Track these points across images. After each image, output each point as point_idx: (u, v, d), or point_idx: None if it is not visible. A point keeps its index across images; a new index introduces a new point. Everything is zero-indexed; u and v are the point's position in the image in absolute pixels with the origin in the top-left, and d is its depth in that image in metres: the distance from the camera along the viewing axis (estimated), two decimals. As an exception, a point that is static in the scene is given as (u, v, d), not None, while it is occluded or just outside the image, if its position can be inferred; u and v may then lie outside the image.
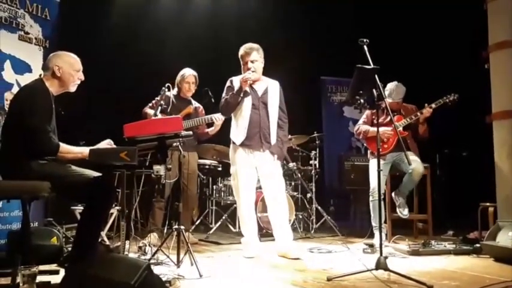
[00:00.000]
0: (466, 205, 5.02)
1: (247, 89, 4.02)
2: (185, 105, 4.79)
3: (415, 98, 4.87)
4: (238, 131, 4.06)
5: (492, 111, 4.50)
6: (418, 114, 4.63)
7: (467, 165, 6.44)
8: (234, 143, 4.10)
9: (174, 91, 4.84)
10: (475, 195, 4.86)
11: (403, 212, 4.70)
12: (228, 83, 4.14)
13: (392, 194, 4.78)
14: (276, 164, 4.09)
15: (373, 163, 4.68)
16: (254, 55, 4.03)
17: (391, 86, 4.76)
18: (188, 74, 4.80)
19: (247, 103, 4.03)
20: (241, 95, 3.98)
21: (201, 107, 4.95)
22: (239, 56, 4.11)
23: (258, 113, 4.05)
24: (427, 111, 4.59)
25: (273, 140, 4.07)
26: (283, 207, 4.06)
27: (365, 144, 5.28)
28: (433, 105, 4.59)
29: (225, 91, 4.12)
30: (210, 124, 4.84)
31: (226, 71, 4.38)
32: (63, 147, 2.81)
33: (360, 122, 4.97)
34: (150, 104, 4.70)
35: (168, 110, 4.65)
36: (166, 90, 3.81)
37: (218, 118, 4.65)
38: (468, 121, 5.69)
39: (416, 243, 4.32)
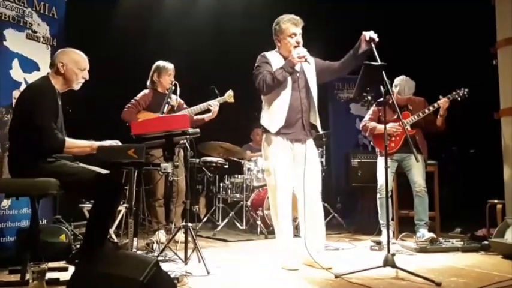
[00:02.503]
0: (474, 202, 5.00)
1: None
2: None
3: (425, 92, 4.84)
4: (274, 116, 3.47)
5: (500, 107, 4.47)
6: (435, 105, 4.56)
7: (475, 162, 6.41)
8: (267, 131, 3.52)
9: (149, 87, 4.69)
10: (483, 192, 4.83)
11: (426, 236, 4.44)
12: (262, 59, 3.56)
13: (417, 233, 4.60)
14: (316, 155, 3.67)
15: (381, 161, 4.66)
16: (301, 28, 3.51)
17: (400, 81, 4.69)
18: (170, 66, 4.61)
19: (287, 83, 3.46)
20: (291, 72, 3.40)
21: (181, 100, 4.58)
22: (280, 29, 3.54)
23: (298, 96, 3.48)
24: (444, 101, 4.54)
25: (319, 126, 3.59)
26: (321, 211, 3.58)
27: (371, 142, 5.26)
28: (450, 96, 4.55)
29: (259, 67, 3.51)
30: (205, 111, 4.67)
31: (230, 70, 4.37)
32: (69, 141, 2.81)
33: (366, 118, 4.92)
34: (130, 105, 4.55)
35: (151, 107, 4.51)
36: (173, 88, 3.81)
37: (215, 104, 4.55)
38: (476, 118, 5.66)
39: (424, 240, 4.31)
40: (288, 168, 3.47)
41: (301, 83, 3.53)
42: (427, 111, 4.60)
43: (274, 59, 3.55)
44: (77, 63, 3.02)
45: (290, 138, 3.49)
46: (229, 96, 4.64)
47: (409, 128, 4.60)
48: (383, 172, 4.49)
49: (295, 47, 3.46)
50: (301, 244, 3.45)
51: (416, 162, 4.26)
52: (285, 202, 3.45)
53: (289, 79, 3.47)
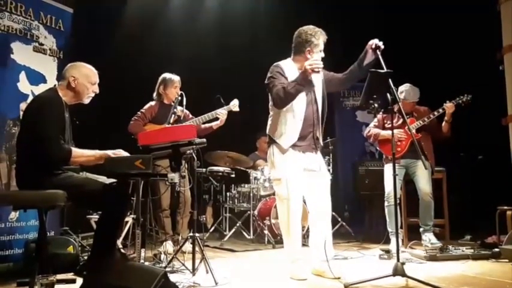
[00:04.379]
0: (484, 209, 4.94)
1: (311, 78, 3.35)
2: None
3: (431, 100, 4.83)
4: (287, 130, 3.42)
5: (508, 113, 4.44)
6: (440, 110, 4.60)
7: (484, 168, 6.36)
8: (278, 143, 3.46)
9: (155, 99, 4.73)
10: (492, 198, 4.79)
11: (432, 240, 4.47)
12: (275, 69, 3.45)
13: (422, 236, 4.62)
14: (325, 167, 3.68)
15: (388, 168, 4.65)
16: (324, 45, 3.50)
17: (405, 87, 4.73)
18: (176, 78, 4.66)
19: (301, 96, 3.38)
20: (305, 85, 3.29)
21: (187, 111, 4.59)
22: (307, 38, 3.45)
23: (311, 109, 3.46)
24: (450, 105, 4.58)
25: (320, 138, 3.58)
26: (329, 220, 3.56)
27: (378, 148, 5.24)
28: (454, 102, 4.59)
29: (273, 79, 3.40)
30: (213, 120, 4.68)
31: (235, 78, 4.37)
32: (75, 151, 2.82)
33: (371, 125, 4.96)
34: (136, 117, 4.60)
35: (156, 119, 4.54)
36: (179, 98, 3.82)
37: (223, 113, 4.58)
38: (484, 124, 5.62)
39: (434, 248, 4.26)
40: (299, 178, 3.43)
41: (313, 96, 3.51)
42: (432, 116, 4.63)
43: (289, 69, 3.47)
44: (88, 78, 3.04)
45: (302, 150, 3.46)
46: (233, 105, 4.66)
47: (414, 132, 4.59)
48: (390, 179, 4.48)
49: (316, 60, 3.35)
50: (310, 254, 3.46)
51: (425, 169, 4.25)
52: (297, 211, 3.41)
53: (304, 93, 3.39)
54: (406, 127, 4.51)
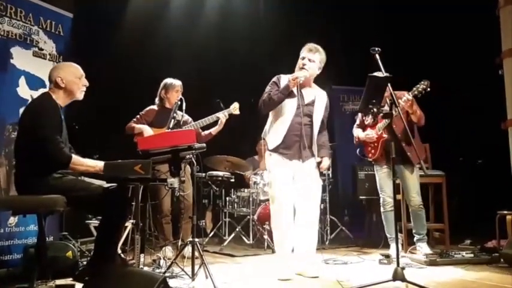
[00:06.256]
0: (483, 213, 4.94)
1: (295, 90, 3.65)
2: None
3: (429, 104, 4.79)
4: (274, 134, 3.71)
5: (507, 117, 4.44)
6: (398, 108, 3.56)
7: (484, 173, 6.36)
8: (268, 146, 3.76)
9: (156, 103, 4.74)
10: (492, 203, 4.78)
11: (424, 251, 4.31)
12: (274, 79, 3.79)
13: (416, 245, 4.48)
14: (315, 176, 3.72)
15: (378, 172, 4.53)
16: (315, 56, 3.72)
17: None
18: (177, 83, 4.67)
19: (290, 106, 3.66)
20: (286, 95, 3.61)
21: (187, 116, 4.64)
22: (300, 53, 3.79)
23: (300, 121, 3.66)
24: (404, 102, 4.09)
25: (315, 149, 3.75)
26: (315, 229, 3.73)
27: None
28: (410, 93, 4.12)
29: (268, 86, 3.76)
30: (212, 125, 4.68)
31: (235, 83, 4.38)
32: (76, 159, 2.82)
33: (355, 125, 4.74)
34: (135, 119, 4.61)
35: (154, 123, 4.55)
36: (179, 103, 3.83)
37: (223, 115, 4.57)
38: (483, 128, 5.63)
39: (434, 253, 4.26)
40: (285, 182, 3.63)
41: (306, 110, 3.72)
42: (388, 120, 3.94)
43: (285, 81, 3.70)
44: (74, 73, 3.05)
45: (288, 157, 3.67)
46: (234, 108, 4.65)
47: (381, 132, 4.36)
48: (381, 184, 4.45)
49: (301, 68, 3.71)
50: (292, 257, 3.64)
51: (411, 173, 4.20)
52: (281, 213, 3.61)
53: (295, 105, 3.66)
54: (376, 127, 4.39)
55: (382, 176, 4.49)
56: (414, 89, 4.15)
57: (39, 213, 2.72)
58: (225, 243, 5.51)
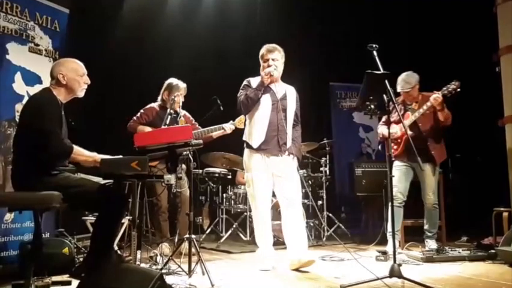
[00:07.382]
0: (480, 210, 4.95)
1: (269, 88, 3.87)
2: (173, 118, 4.24)
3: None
4: (255, 133, 3.85)
5: (504, 114, 4.45)
6: (428, 104, 4.23)
7: (481, 170, 6.37)
8: (249, 146, 3.89)
9: (158, 103, 4.67)
10: (489, 200, 4.80)
11: (431, 246, 4.41)
12: (245, 82, 3.98)
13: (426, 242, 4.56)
14: (293, 168, 3.88)
15: (394, 167, 4.48)
16: (276, 54, 3.89)
17: (400, 77, 4.45)
18: (182, 86, 4.56)
19: (266, 102, 3.85)
20: (262, 91, 3.81)
21: (186, 113, 4.66)
22: (260, 56, 3.95)
23: (276, 116, 3.83)
24: (435, 99, 4.19)
25: (289, 143, 3.87)
26: (299, 212, 3.85)
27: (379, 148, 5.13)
28: (440, 93, 4.20)
29: (241, 90, 3.94)
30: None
31: (231, 80, 4.37)
32: (77, 148, 2.84)
33: (381, 122, 4.76)
34: (135, 118, 4.58)
35: (154, 123, 4.50)
36: (175, 99, 3.82)
37: (229, 128, 4.58)
38: (480, 125, 5.63)
39: (430, 249, 4.27)
40: (265, 179, 3.83)
41: (280, 106, 3.86)
42: (421, 110, 4.32)
43: (256, 82, 3.89)
44: (76, 71, 3.03)
45: (267, 153, 3.82)
46: (239, 122, 4.62)
47: (407, 130, 4.26)
48: (397, 179, 4.34)
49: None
50: (272, 249, 3.91)
51: (421, 170, 4.22)
52: (264, 208, 3.87)
53: (270, 100, 3.85)
54: (401, 124, 4.28)
55: (399, 172, 4.49)
56: (444, 88, 4.23)
57: (36, 209, 2.70)
58: (222, 239, 5.51)
